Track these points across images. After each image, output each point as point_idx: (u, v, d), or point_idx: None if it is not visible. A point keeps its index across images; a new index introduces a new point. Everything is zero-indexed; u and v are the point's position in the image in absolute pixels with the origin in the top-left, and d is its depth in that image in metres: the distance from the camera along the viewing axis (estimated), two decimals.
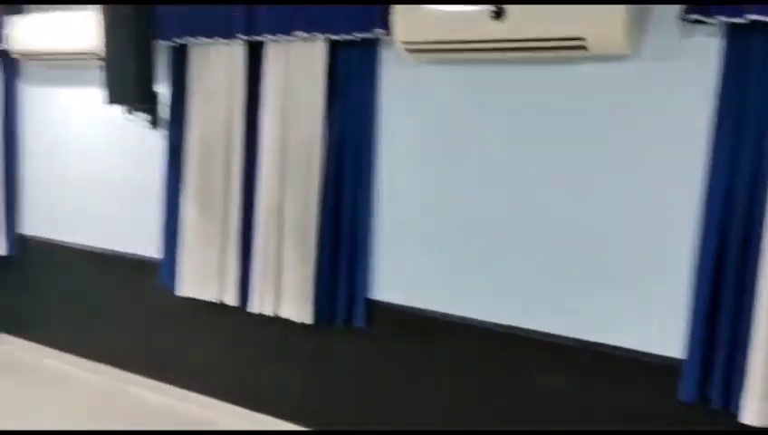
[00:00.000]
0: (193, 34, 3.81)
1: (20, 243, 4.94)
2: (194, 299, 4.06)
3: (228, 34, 3.70)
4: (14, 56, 4.60)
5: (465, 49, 2.94)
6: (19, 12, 4.56)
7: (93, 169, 4.56)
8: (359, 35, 3.31)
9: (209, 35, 3.77)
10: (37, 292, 4.91)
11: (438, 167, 3.32)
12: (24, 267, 4.95)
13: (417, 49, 3.05)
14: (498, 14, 2.76)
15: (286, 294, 3.66)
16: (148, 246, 4.27)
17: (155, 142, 4.18)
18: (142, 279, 4.34)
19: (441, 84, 3.27)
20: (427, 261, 3.37)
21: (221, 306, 3.97)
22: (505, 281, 3.16)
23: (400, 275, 3.46)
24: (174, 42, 3.91)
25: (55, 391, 4.15)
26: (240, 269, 3.86)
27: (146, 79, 3.85)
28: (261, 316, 3.80)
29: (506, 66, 3.07)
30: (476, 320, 3.24)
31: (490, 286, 3.20)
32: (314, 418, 3.77)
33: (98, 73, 4.12)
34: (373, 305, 3.53)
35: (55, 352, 4.77)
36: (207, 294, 3.99)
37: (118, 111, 4.05)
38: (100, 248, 4.54)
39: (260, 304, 3.77)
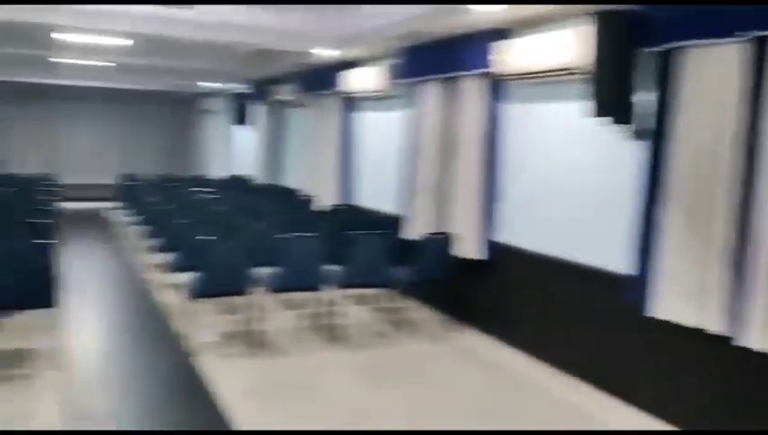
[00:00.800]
0: (682, 38, 3.58)
1: (493, 249, 5.39)
2: (665, 322, 3.77)
3: (726, 33, 3.34)
4: (500, 78, 5.05)
5: None
6: (504, 37, 4.98)
7: (563, 181, 4.69)
8: None
9: (702, 36, 3.48)
10: (504, 294, 5.29)
11: None
12: (495, 272, 5.39)
13: None
14: None
15: None
16: (616, 260, 4.16)
17: (630, 153, 4.05)
18: (606, 293, 4.26)
19: None
20: None
21: (699, 334, 3.59)
22: None
23: None
24: (659, 47, 3.72)
25: (507, 387, 4.35)
26: (731, 295, 3.43)
27: (629, 89, 3.76)
28: (753, 352, 3.30)
29: None
30: None
31: None
32: None
33: (573, 88, 4.20)
34: None
35: (514, 351, 5.05)
36: (685, 318, 3.66)
37: (592, 122, 4.05)
38: (565, 259, 4.63)
39: (758, 337, 3.27)
